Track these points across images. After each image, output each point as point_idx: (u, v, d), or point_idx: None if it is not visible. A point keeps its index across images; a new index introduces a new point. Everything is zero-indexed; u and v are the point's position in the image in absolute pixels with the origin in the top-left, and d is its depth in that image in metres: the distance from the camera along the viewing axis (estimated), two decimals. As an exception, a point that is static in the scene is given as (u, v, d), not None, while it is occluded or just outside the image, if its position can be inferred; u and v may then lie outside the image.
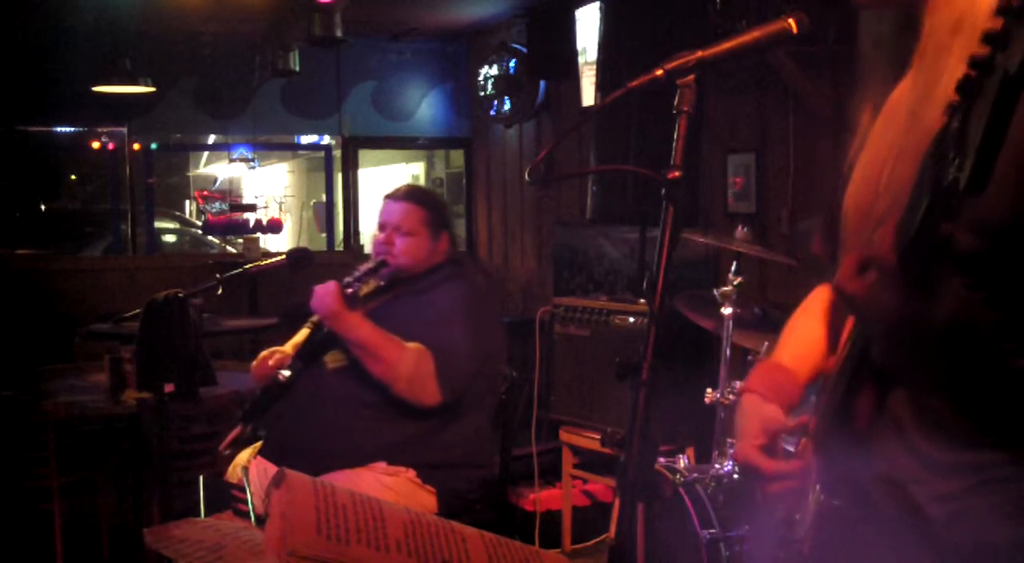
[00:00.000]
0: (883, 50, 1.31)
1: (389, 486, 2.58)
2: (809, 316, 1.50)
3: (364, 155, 7.98)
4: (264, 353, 2.85)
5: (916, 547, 1.13)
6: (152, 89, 5.99)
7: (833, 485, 1.27)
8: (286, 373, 2.73)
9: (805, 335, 1.49)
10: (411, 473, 2.65)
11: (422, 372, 2.59)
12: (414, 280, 2.83)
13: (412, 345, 2.62)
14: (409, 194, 2.88)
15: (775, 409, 1.40)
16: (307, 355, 2.77)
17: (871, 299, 1.09)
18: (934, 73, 1.08)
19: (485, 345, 2.75)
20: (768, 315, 3.12)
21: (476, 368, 2.70)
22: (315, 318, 2.75)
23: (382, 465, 2.62)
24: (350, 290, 2.73)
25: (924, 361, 1.13)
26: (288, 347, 2.80)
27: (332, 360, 2.74)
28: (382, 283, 2.87)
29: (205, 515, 2.60)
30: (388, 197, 2.89)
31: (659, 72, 1.33)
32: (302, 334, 2.79)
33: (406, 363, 2.58)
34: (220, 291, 2.85)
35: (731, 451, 2.62)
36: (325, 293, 2.65)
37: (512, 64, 6.49)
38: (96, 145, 7.96)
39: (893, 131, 1.21)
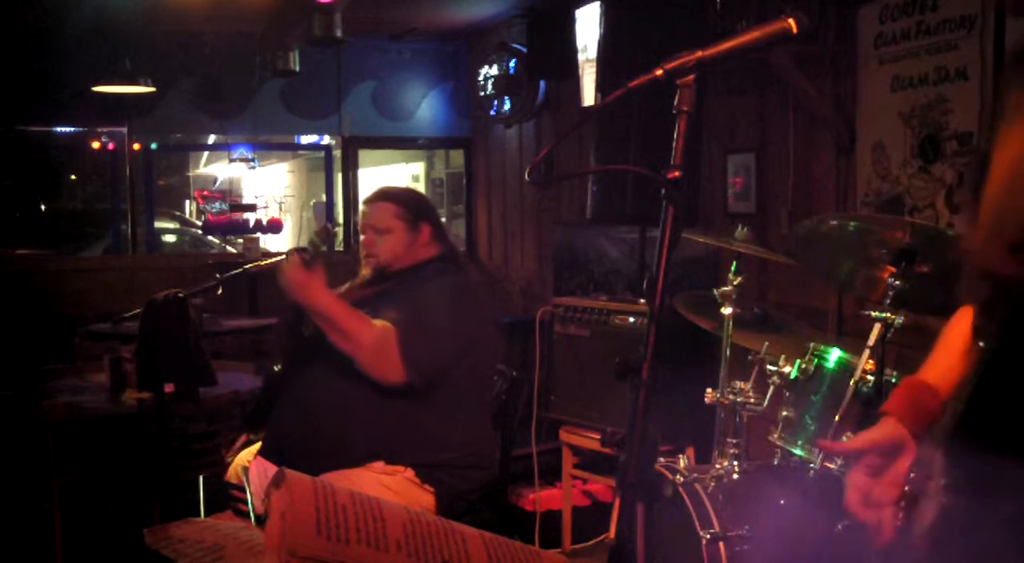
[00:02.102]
0: None
1: (387, 485, 2.58)
2: (957, 332, 1.52)
3: (364, 155, 7.97)
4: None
5: None
6: (152, 89, 5.99)
7: (958, 485, 1.30)
8: (276, 367, 2.75)
9: (951, 350, 1.51)
10: (409, 472, 2.64)
11: (385, 345, 2.58)
12: (402, 275, 2.84)
13: (379, 321, 2.63)
14: (379, 194, 2.94)
15: (899, 430, 1.42)
16: (301, 354, 2.77)
17: None
18: None
19: (465, 332, 2.73)
20: (768, 315, 3.11)
21: (451, 353, 2.68)
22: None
23: (380, 464, 2.62)
24: (307, 256, 2.68)
25: None
26: None
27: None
28: (369, 276, 2.88)
29: (205, 515, 2.61)
30: (363, 202, 2.97)
31: (659, 72, 1.33)
32: None
33: (368, 335, 2.58)
34: (220, 291, 2.86)
35: (730, 451, 2.61)
36: (288, 266, 2.63)
37: (512, 64, 6.48)
38: (96, 145, 7.94)
39: None
